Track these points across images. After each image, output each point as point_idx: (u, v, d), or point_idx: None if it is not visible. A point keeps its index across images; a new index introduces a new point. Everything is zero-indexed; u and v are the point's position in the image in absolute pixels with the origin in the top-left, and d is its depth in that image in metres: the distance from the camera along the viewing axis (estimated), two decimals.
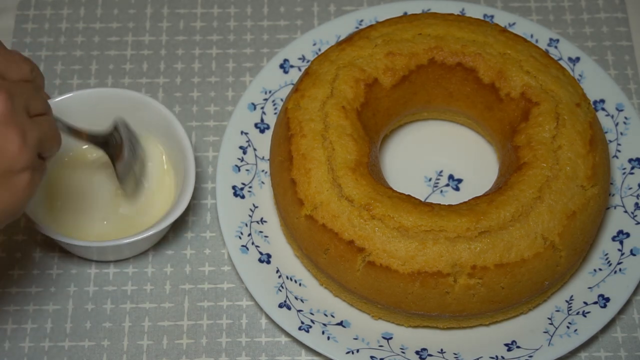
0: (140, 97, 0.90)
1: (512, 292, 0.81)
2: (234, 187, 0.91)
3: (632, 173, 0.91)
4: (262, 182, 0.92)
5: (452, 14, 0.92)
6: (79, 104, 0.90)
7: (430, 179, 0.93)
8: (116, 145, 0.87)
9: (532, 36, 0.98)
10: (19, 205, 0.69)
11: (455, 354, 0.84)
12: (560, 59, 0.97)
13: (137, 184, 0.90)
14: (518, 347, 0.84)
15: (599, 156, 0.84)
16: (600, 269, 0.87)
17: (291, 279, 0.87)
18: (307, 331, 0.84)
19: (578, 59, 0.96)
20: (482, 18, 0.97)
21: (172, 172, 0.91)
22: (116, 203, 0.90)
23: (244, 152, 0.93)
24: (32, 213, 0.85)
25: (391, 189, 0.83)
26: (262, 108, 0.95)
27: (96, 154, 0.91)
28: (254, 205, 0.90)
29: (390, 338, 0.85)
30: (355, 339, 0.85)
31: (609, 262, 0.87)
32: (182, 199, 0.85)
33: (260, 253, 0.88)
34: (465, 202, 0.83)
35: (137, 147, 0.90)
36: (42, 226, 0.84)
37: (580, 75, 0.96)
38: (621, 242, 0.88)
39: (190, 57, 1.02)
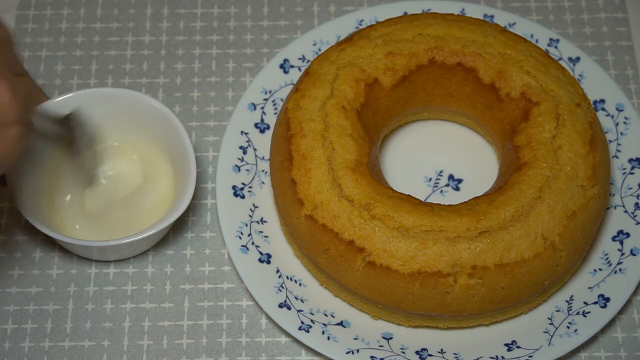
0: (140, 96, 0.90)
1: (512, 292, 0.81)
2: (234, 187, 0.91)
3: (632, 173, 0.91)
4: (262, 182, 0.92)
5: (452, 14, 0.92)
6: (78, 104, 0.90)
7: (430, 179, 0.93)
8: (72, 133, 0.87)
9: (532, 36, 0.98)
10: (8, 158, 0.71)
11: (455, 354, 0.84)
12: (560, 59, 0.97)
13: (88, 177, 0.90)
14: (518, 347, 0.84)
15: (599, 156, 0.84)
16: (600, 269, 0.87)
17: (291, 279, 0.87)
18: (307, 331, 0.84)
19: (578, 59, 0.96)
20: (482, 18, 0.97)
21: (172, 172, 0.91)
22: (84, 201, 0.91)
23: (244, 152, 0.93)
24: (33, 211, 0.85)
25: (391, 189, 0.83)
26: (262, 108, 0.95)
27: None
28: (254, 205, 0.90)
29: (390, 338, 0.85)
30: (355, 339, 0.85)
31: (609, 262, 0.87)
32: (183, 199, 0.85)
33: (260, 253, 0.88)
34: (465, 202, 0.83)
35: (89, 139, 0.90)
36: (42, 225, 0.84)
37: (580, 75, 0.96)
38: (621, 242, 0.88)
39: (190, 57, 1.02)
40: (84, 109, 0.88)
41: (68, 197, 0.90)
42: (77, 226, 0.89)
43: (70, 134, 0.86)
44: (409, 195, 0.83)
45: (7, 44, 0.73)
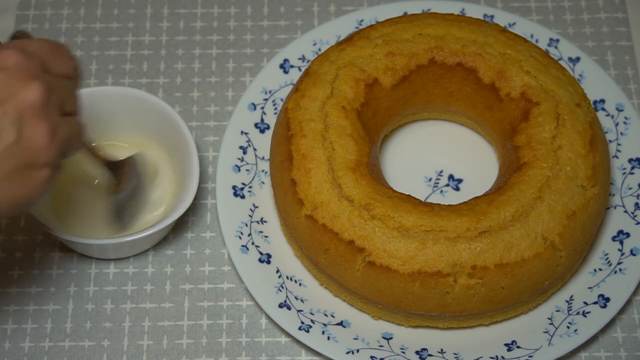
0: (144, 95, 0.90)
1: (512, 292, 0.81)
2: (234, 187, 0.91)
3: (632, 173, 0.91)
4: (262, 182, 0.92)
5: (452, 14, 0.92)
6: (102, 101, 0.90)
7: (430, 179, 0.93)
8: (121, 178, 0.87)
9: (532, 36, 0.98)
10: (31, 200, 0.68)
11: (455, 354, 0.84)
12: (560, 59, 0.97)
13: (123, 224, 0.89)
14: (518, 347, 0.84)
15: (599, 156, 0.84)
16: (600, 269, 0.87)
17: (291, 279, 0.87)
18: (307, 331, 0.84)
19: (578, 59, 0.96)
20: (482, 18, 0.97)
21: (173, 171, 0.91)
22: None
23: (244, 152, 0.93)
24: (33, 210, 0.85)
25: (391, 189, 0.83)
26: (262, 108, 0.95)
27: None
28: (254, 205, 0.90)
29: (390, 338, 0.85)
30: (355, 339, 0.85)
31: (609, 262, 0.87)
32: (185, 198, 0.85)
33: (260, 253, 0.88)
34: (465, 202, 0.83)
35: (141, 191, 0.90)
36: (43, 222, 0.84)
37: (580, 75, 0.96)
38: (621, 242, 0.88)
39: (190, 57, 1.02)
40: (140, 154, 0.89)
41: (70, 192, 0.91)
42: (78, 223, 0.89)
43: (117, 179, 0.86)
44: (409, 195, 0.83)
45: (70, 82, 0.71)
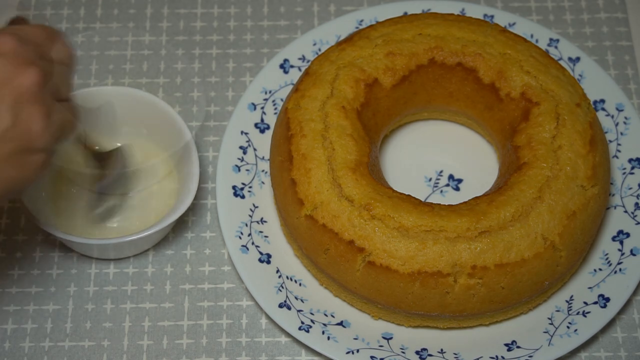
0: (144, 95, 0.90)
1: (512, 292, 0.81)
2: (234, 187, 0.91)
3: (632, 173, 0.91)
4: (262, 182, 0.92)
5: (452, 14, 0.92)
6: (80, 103, 0.90)
7: (430, 179, 0.93)
8: (107, 168, 0.87)
9: (532, 36, 0.98)
10: (25, 185, 0.69)
11: (455, 354, 0.84)
12: (560, 59, 0.97)
13: (103, 216, 0.89)
14: (518, 347, 0.84)
15: (599, 156, 0.84)
16: (600, 269, 0.87)
17: (291, 279, 0.87)
18: (307, 331, 0.84)
19: (578, 59, 0.96)
20: (482, 18, 0.97)
21: (173, 171, 0.91)
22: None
23: (244, 152, 0.93)
24: (34, 210, 0.85)
25: (391, 189, 0.83)
26: (262, 108, 0.95)
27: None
28: (254, 205, 0.90)
29: (390, 338, 0.85)
30: (355, 339, 0.85)
31: (609, 262, 0.87)
32: (185, 198, 0.85)
33: (260, 253, 0.88)
34: (465, 202, 0.83)
35: (125, 181, 0.90)
36: (44, 223, 0.84)
37: (580, 75, 0.96)
38: (621, 242, 0.88)
39: (190, 57, 1.02)
40: (128, 144, 0.89)
41: (73, 191, 0.91)
42: (78, 224, 0.89)
43: (107, 170, 0.87)
44: (409, 195, 0.83)
45: (65, 68, 0.72)
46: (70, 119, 0.72)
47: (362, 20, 0.99)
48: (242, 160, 0.92)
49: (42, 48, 0.70)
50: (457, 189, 0.93)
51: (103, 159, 0.88)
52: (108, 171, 0.88)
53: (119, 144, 0.90)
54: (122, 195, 0.90)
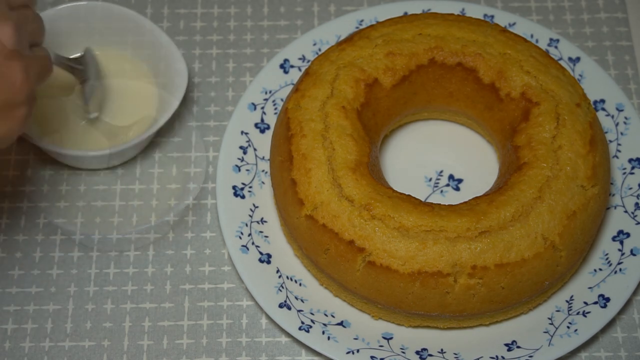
0: (128, 12, 0.95)
1: (512, 292, 0.81)
2: (234, 187, 0.91)
3: (632, 173, 0.91)
4: (262, 182, 0.92)
5: (452, 14, 0.92)
6: (68, 18, 0.94)
7: (430, 179, 0.93)
8: (83, 70, 0.91)
9: (532, 36, 0.98)
10: (13, 136, 0.72)
11: (455, 354, 0.84)
12: (561, 59, 0.97)
13: (100, 102, 0.93)
14: (518, 347, 0.84)
15: (599, 156, 0.84)
16: (600, 269, 0.87)
17: (291, 279, 0.87)
18: (307, 331, 0.84)
19: (578, 59, 0.96)
20: (482, 18, 0.97)
21: (157, 85, 0.95)
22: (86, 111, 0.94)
23: (244, 152, 0.93)
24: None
25: (391, 189, 0.83)
26: (262, 108, 0.95)
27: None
28: (254, 205, 0.90)
29: (391, 338, 0.85)
30: (356, 339, 0.85)
31: (609, 262, 0.87)
32: (169, 104, 0.90)
33: (261, 253, 0.88)
34: (465, 202, 0.83)
35: (102, 78, 0.94)
36: (36, 139, 0.88)
37: (580, 75, 0.96)
38: (621, 242, 0.88)
39: (191, 57, 1.02)
40: (89, 47, 0.94)
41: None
42: (69, 137, 0.93)
43: (83, 74, 0.91)
44: (409, 195, 0.83)
45: (28, 11, 0.74)
46: (46, 64, 0.75)
47: (362, 20, 0.99)
48: (242, 160, 0.92)
49: None
50: (457, 189, 0.93)
51: (77, 64, 0.91)
52: (87, 72, 0.91)
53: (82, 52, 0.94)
54: (101, 84, 0.94)
